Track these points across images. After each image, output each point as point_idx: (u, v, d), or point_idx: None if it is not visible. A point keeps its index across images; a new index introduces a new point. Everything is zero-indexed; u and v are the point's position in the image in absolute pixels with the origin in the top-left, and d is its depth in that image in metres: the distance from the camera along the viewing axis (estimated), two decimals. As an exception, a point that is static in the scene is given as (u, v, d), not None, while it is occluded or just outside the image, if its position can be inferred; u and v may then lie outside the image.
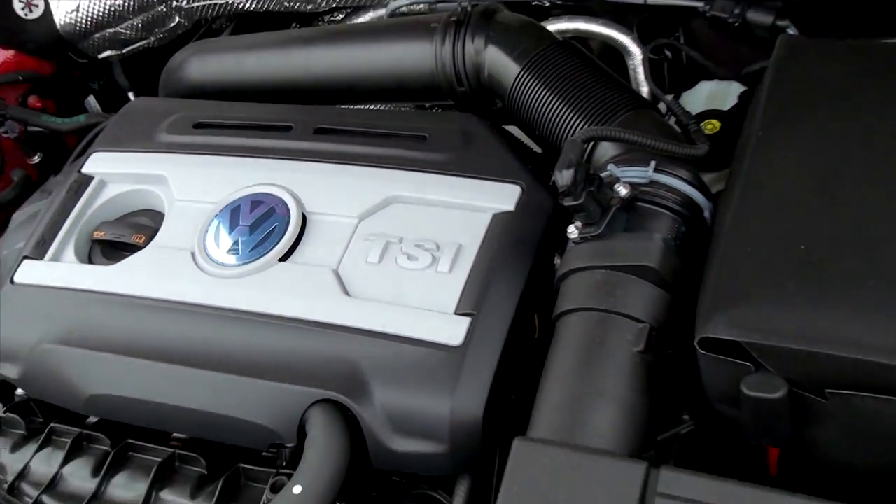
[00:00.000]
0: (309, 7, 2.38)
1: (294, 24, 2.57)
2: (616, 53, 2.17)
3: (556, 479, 1.37)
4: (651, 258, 1.53)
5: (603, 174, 1.62)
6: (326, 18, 2.52)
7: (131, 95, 2.60)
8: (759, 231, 1.48)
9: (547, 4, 2.17)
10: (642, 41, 2.10)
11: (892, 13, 1.87)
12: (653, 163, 1.63)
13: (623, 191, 1.58)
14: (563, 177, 1.51)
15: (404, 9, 2.29)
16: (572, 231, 1.60)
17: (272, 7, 2.41)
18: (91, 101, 2.64)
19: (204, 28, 2.61)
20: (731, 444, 1.58)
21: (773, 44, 1.95)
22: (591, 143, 1.75)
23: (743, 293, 1.41)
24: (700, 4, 2.02)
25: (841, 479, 1.53)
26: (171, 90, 2.27)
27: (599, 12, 2.14)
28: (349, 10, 2.43)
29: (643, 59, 2.03)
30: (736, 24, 1.98)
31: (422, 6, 2.29)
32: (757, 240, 1.46)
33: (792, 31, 1.95)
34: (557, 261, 1.73)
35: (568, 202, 1.55)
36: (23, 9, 2.52)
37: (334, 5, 2.38)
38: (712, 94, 2.03)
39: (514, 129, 1.96)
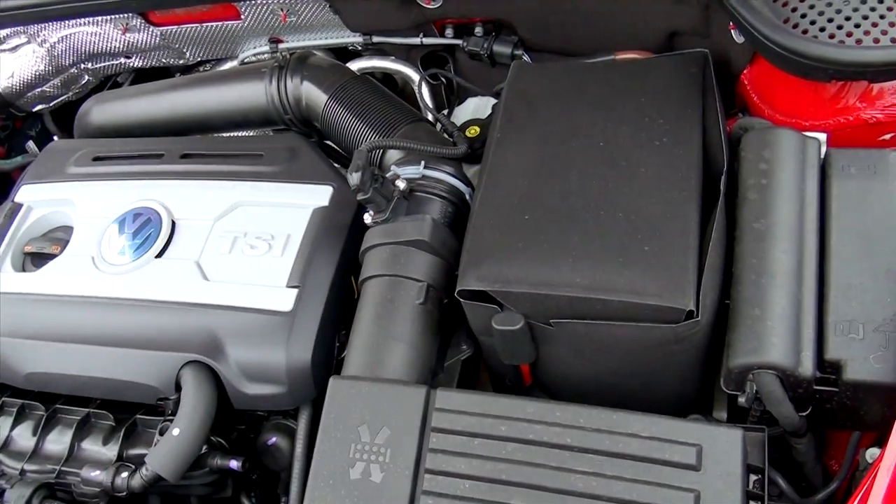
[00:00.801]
0: (181, 62, 2.21)
1: (177, 73, 2.38)
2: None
3: (361, 406, 1.31)
4: (423, 233, 1.46)
5: (388, 174, 1.53)
6: (200, 69, 2.34)
7: (56, 139, 2.39)
8: (497, 207, 1.43)
9: (357, 48, 2.03)
10: (424, 71, 1.97)
11: (590, 39, 1.79)
12: (423, 162, 1.55)
13: (401, 185, 1.52)
14: (354, 178, 1.44)
15: (252, 58, 2.12)
16: (367, 218, 1.53)
17: (154, 64, 2.24)
18: (30, 144, 2.44)
19: (110, 82, 2.40)
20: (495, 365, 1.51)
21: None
22: (380, 151, 1.65)
23: (486, 254, 1.37)
24: (459, 42, 1.91)
25: (570, 384, 1.48)
26: (81, 132, 2.10)
27: (391, 52, 2.01)
28: (214, 62, 2.25)
29: (419, 84, 1.91)
30: (486, 55, 1.87)
31: (265, 56, 2.13)
32: (496, 214, 1.42)
33: (526, 58, 1.85)
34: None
35: (360, 197, 1.47)
36: (-27, 78, 2.31)
37: (199, 59, 2.20)
38: (476, 107, 1.95)
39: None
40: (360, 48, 2.02)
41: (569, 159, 1.44)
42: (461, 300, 1.37)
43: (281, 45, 2.08)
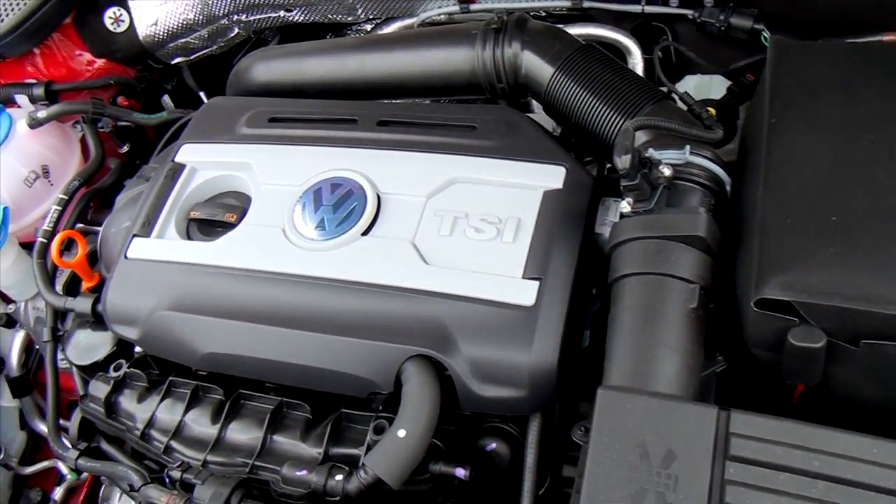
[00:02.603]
0: (349, 19, 2.08)
1: (328, 35, 2.26)
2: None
3: (639, 424, 1.17)
4: (700, 229, 1.32)
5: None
6: (354, 29, 2.22)
7: (203, 95, 2.27)
8: (792, 205, 1.28)
9: (565, 11, 1.89)
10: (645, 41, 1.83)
11: (851, 16, 1.65)
12: (687, 147, 1.40)
13: (667, 171, 1.37)
14: (623, 161, 1.31)
15: (434, 18, 1.99)
16: (625, 206, 1.39)
17: (318, 19, 2.10)
18: (166, 99, 2.33)
19: (254, 39, 2.28)
20: (757, 379, 1.39)
21: (750, 44, 1.74)
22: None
23: (789, 260, 1.23)
24: (690, 12, 1.76)
25: (854, 411, 1.35)
26: (238, 90, 1.98)
27: (599, 18, 1.86)
28: (378, 22, 2.12)
29: (654, 57, 1.76)
30: (722, 28, 1.73)
31: (443, 16, 2.00)
32: (793, 213, 1.27)
33: (766, 33, 1.71)
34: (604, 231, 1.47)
35: (626, 183, 1.34)
36: (112, 24, 2.20)
37: (371, 17, 2.07)
38: (697, 86, 1.80)
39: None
40: (564, 12, 1.88)
41: (870, 152, 1.29)
42: (755, 310, 1.23)
43: (473, 6, 1.94)
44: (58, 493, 2.23)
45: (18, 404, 2.35)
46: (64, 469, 2.27)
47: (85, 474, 2.25)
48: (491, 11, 1.93)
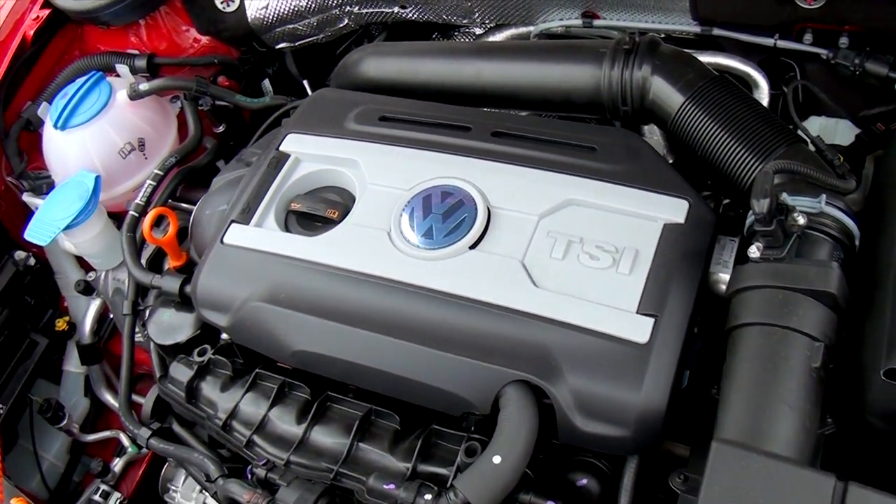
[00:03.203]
0: (464, 21, 2.05)
1: (434, 35, 2.23)
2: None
3: (753, 484, 1.13)
4: (831, 284, 1.27)
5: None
6: (462, 31, 2.18)
7: (306, 83, 2.25)
8: None
9: (692, 36, 1.83)
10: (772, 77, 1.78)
11: None
12: (823, 196, 1.35)
13: (801, 220, 1.33)
14: (761, 205, 1.26)
15: (552, 30, 1.95)
16: (754, 251, 1.34)
17: (431, 18, 2.07)
18: (266, 83, 2.31)
19: (359, 31, 2.26)
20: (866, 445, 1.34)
21: (883, 92, 1.68)
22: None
23: None
24: (825, 52, 1.70)
25: None
26: (345, 82, 1.95)
27: (727, 47, 1.81)
28: (490, 27, 2.09)
29: (787, 95, 1.70)
30: (856, 73, 1.67)
31: (560, 29, 1.96)
32: None
33: (902, 82, 1.65)
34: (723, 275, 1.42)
35: (760, 227, 1.29)
36: (222, 2, 2.20)
37: (487, 22, 2.04)
38: (822, 128, 1.74)
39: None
40: (692, 37, 1.83)
41: None
42: (884, 379, 1.18)
43: (597, 22, 1.90)
44: (118, 464, 2.23)
45: (85, 371, 2.36)
46: (125, 441, 2.27)
47: (145, 449, 2.25)
48: (614, 29, 1.89)
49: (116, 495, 2.16)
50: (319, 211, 1.66)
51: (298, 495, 1.37)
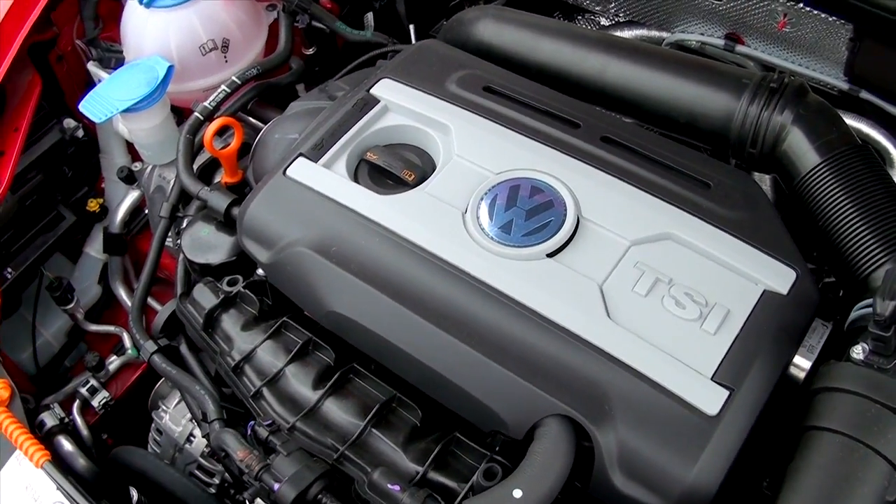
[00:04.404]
0: (596, 8, 1.90)
1: (556, 14, 2.08)
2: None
3: None
4: None
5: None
6: (586, 17, 2.03)
7: (412, 29, 2.10)
8: None
9: (836, 92, 1.67)
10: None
11: None
12: (954, 313, 1.19)
13: (921, 337, 1.16)
14: (885, 307, 1.13)
15: (690, 43, 1.80)
16: (858, 352, 1.20)
17: (563, -4, 1.92)
18: (369, 17, 2.17)
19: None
20: None
21: None
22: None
23: None
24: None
25: None
26: (455, 39, 1.81)
27: (869, 112, 1.64)
28: (619, 22, 1.93)
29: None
30: None
31: (695, 43, 1.81)
32: None
33: None
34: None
35: (876, 331, 1.15)
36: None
37: (619, 14, 1.88)
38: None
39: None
40: (835, 93, 1.67)
41: None
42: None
43: (739, 48, 1.74)
44: (113, 362, 2.13)
45: (105, 259, 2.26)
46: (127, 341, 2.17)
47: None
48: (754, 60, 1.73)
49: (104, 394, 2.06)
50: (395, 169, 1.53)
51: (296, 471, 1.25)
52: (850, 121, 1.60)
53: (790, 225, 1.39)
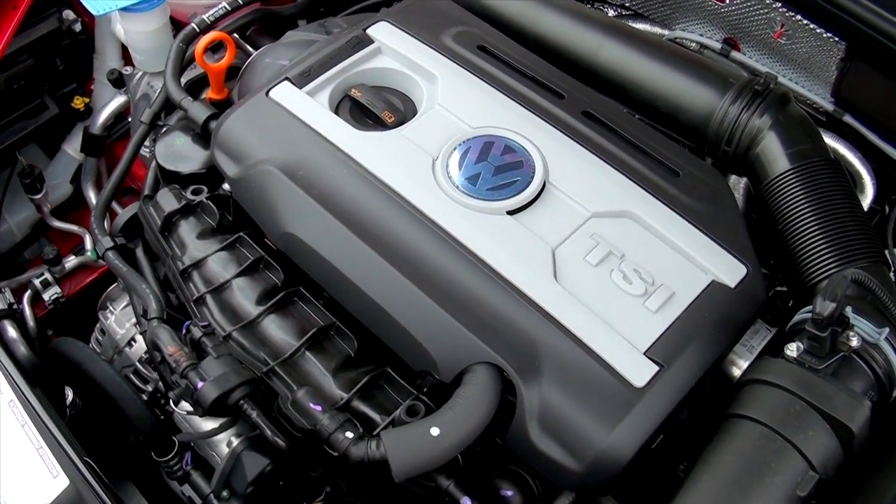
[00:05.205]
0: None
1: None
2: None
3: None
4: (856, 421, 1.14)
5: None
6: (595, 3, 2.03)
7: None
8: None
9: (820, 111, 1.69)
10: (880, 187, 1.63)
11: None
12: (887, 329, 1.23)
13: (855, 342, 1.20)
14: (825, 307, 1.13)
15: (684, 41, 1.81)
16: (792, 350, 1.22)
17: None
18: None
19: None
20: None
21: None
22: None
23: None
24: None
25: None
26: (459, -1, 1.79)
27: (849, 137, 1.66)
28: (625, 14, 1.94)
29: (892, 217, 1.56)
30: None
31: (693, 44, 1.82)
32: None
33: None
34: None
35: (813, 330, 1.16)
36: None
37: (626, 3, 1.89)
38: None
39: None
40: (820, 111, 1.69)
41: None
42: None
43: (734, 54, 1.75)
44: (71, 261, 2.12)
45: (82, 159, 2.25)
46: (88, 244, 2.17)
47: (103, 262, 2.15)
48: (747, 67, 1.74)
49: (56, 290, 2.06)
50: (377, 109, 1.53)
51: (222, 373, 1.25)
52: (829, 140, 1.61)
53: (753, 233, 1.40)
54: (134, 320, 1.74)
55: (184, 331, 1.35)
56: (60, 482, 1.20)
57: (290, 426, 1.26)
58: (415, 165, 1.42)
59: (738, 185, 1.68)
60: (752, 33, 1.69)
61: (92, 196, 2.22)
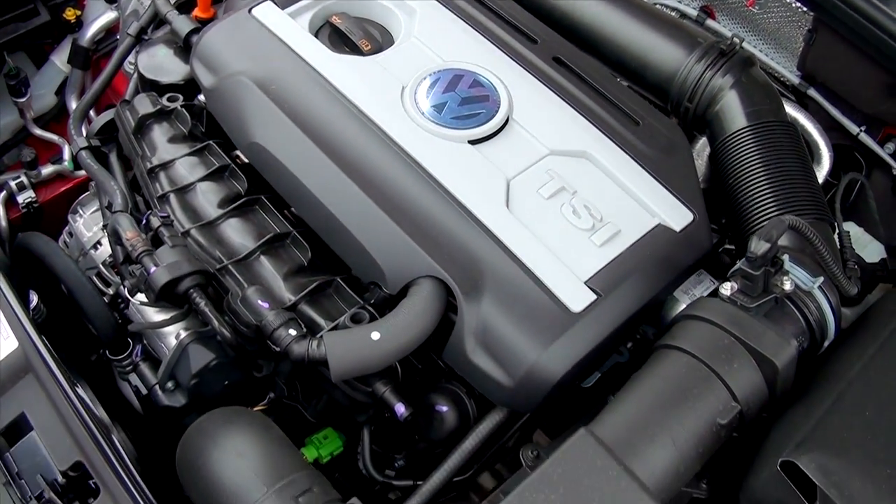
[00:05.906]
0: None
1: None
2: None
3: (594, 479, 1.07)
4: (781, 358, 1.18)
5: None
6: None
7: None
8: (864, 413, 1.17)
9: (787, 84, 1.73)
10: (837, 161, 1.67)
11: None
12: (821, 278, 1.26)
13: (787, 285, 1.24)
14: (759, 247, 1.17)
15: (665, 8, 1.85)
16: (726, 289, 1.25)
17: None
18: None
19: None
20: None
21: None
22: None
23: (835, 451, 1.11)
24: (897, 168, 1.61)
25: None
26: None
27: (814, 112, 1.69)
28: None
29: (840, 185, 1.61)
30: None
31: (673, 13, 1.85)
32: (860, 420, 1.17)
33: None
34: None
35: (746, 268, 1.20)
36: None
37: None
38: (854, 237, 1.62)
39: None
40: (787, 83, 1.73)
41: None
42: (777, 469, 1.10)
43: (710, 21, 1.79)
44: (47, 168, 2.15)
45: (68, 72, 2.27)
46: (66, 154, 2.19)
47: (80, 172, 2.18)
48: (719, 36, 1.78)
49: (31, 194, 2.08)
50: (355, 36, 1.57)
51: (175, 260, 1.28)
52: (790, 109, 1.65)
53: (709, 198, 1.44)
54: (101, 224, 1.77)
55: (144, 220, 1.38)
56: (10, 343, 1.23)
57: (237, 321, 1.30)
58: (385, 90, 1.45)
59: (702, 152, 1.72)
60: (727, 1, 1.73)
61: (73, 106, 2.23)
